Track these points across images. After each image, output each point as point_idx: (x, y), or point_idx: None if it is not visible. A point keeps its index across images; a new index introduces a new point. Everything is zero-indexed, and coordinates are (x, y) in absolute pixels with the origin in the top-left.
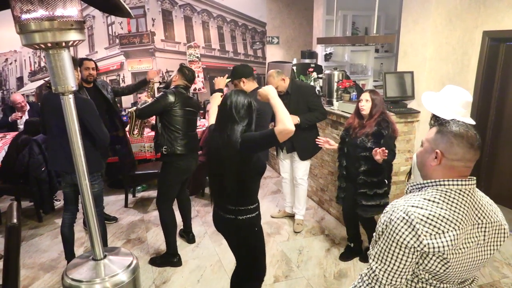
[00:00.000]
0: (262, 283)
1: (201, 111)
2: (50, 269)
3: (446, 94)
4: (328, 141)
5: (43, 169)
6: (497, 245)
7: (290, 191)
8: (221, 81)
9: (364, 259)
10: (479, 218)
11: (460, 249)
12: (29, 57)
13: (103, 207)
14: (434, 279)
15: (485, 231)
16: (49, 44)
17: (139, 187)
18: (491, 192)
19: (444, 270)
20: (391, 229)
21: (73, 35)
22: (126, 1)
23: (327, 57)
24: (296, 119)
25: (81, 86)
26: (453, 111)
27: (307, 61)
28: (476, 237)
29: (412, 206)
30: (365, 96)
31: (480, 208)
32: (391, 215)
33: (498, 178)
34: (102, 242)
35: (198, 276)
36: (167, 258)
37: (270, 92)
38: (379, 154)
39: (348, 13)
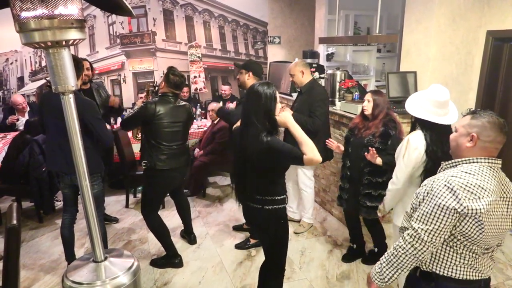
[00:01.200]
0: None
1: (203, 111)
2: (51, 270)
3: (424, 92)
4: (339, 146)
5: (43, 169)
6: None
7: (291, 194)
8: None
9: (367, 261)
10: (504, 192)
11: (491, 215)
12: (30, 56)
13: (103, 208)
14: (467, 240)
15: (508, 204)
16: (49, 43)
17: (140, 188)
18: None
19: (479, 234)
20: (433, 195)
21: (73, 34)
22: (127, 1)
23: (329, 57)
24: (289, 113)
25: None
26: (421, 107)
27: (309, 61)
28: (502, 208)
29: (452, 176)
30: (367, 96)
31: (505, 184)
32: (431, 185)
33: None
34: (103, 243)
35: (199, 277)
36: (168, 259)
37: (287, 120)
38: (370, 155)
39: (350, 13)
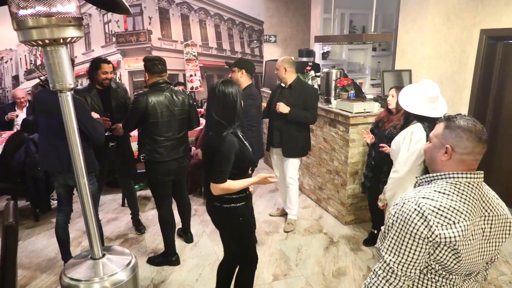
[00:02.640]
0: (255, 275)
1: (200, 109)
2: (47, 269)
3: (416, 87)
4: (373, 137)
5: (39, 168)
6: (503, 238)
7: (283, 189)
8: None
9: (367, 242)
10: (485, 210)
11: (469, 240)
12: (25, 55)
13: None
14: (444, 270)
15: (491, 224)
16: (47, 41)
17: (136, 186)
18: None
19: (456, 263)
20: (403, 221)
21: (71, 32)
22: None
23: (325, 55)
24: (287, 109)
25: (93, 87)
26: (416, 103)
27: (304, 59)
28: (482, 228)
29: (423, 197)
30: (391, 91)
31: (487, 201)
32: (402, 207)
33: (497, 177)
34: (101, 241)
35: (196, 275)
36: (165, 257)
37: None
38: (384, 150)
39: (345, 12)
